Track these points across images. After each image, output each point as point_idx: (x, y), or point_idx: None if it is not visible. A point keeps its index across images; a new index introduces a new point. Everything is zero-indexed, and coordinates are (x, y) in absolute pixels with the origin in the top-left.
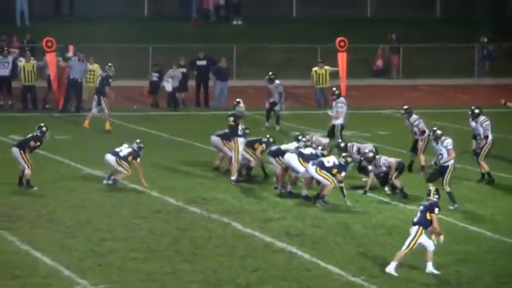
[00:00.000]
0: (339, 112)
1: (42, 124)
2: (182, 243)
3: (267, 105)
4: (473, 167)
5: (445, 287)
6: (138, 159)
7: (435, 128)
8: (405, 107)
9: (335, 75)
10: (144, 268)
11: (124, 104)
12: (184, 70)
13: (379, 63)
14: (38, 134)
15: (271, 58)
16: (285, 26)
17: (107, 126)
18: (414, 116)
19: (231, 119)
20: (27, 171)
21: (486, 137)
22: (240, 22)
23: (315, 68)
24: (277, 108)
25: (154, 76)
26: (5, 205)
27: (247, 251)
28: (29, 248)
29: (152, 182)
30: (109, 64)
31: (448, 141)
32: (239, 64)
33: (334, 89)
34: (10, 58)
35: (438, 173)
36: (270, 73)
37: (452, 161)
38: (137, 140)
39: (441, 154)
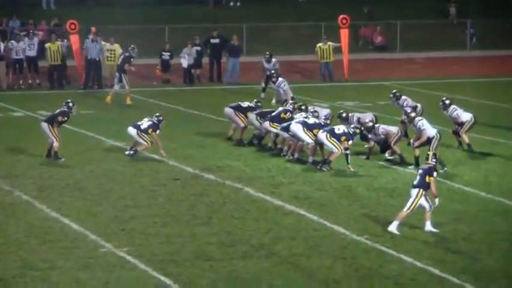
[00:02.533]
0: None
1: (69, 100)
2: (198, 208)
3: (263, 81)
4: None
5: (443, 244)
6: (158, 131)
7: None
8: (393, 90)
9: (338, 50)
10: (164, 232)
11: (143, 80)
12: (199, 48)
13: (379, 39)
14: (65, 109)
15: (279, 36)
16: (291, 6)
17: (128, 101)
18: (402, 98)
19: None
20: (56, 144)
21: (461, 123)
22: (238, 4)
23: (320, 44)
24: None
25: (166, 55)
26: (35, 175)
27: (259, 214)
28: (57, 215)
29: (170, 152)
30: (132, 46)
31: (421, 123)
32: (249, 41)
33: None
34: (36, 40)
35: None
36: (267, 53)
37: (434, 132)
38: (157, 114)
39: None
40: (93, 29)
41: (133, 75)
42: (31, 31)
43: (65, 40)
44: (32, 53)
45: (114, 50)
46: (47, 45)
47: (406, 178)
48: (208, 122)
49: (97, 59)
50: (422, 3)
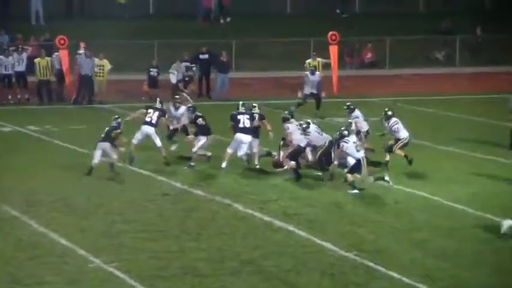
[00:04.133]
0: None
1: (116, 116)
2: (187, 224)
3: (300, 95)
4: (455, 148)
5: (431, 260)
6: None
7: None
8: (348, 103)
9: (327, 66)
10: (153, 247)
11: (130, 97)
12: (188, 64)
13: (369, 56)
14: (115, 124)
15: (268, 52)
16: (280, 21)
17: None
18: (356, 113)
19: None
20: (116, 158)
21: (397, 139)
22: (228, 20)
23: (309, 60)
24: (322, 95)
25: (153, 71)
26: (23, 191)
27: (248, 230)
28: (46, 230)
29: (160, 166)
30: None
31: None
32: (238, 58)
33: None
34: (25, 55)
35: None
36: (312, 66)
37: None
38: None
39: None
40: (82, 44)
41: (121, 91)
42: (20, 46)
43: (56, 54)
44: (21, 68)
45: (103, 66)
46: (36, 60)
47: (395, 194)
48: None
49: (90, 74)
50: (411, 19)
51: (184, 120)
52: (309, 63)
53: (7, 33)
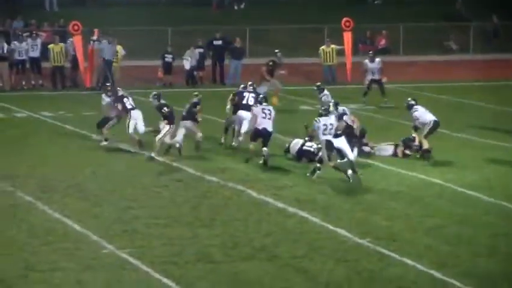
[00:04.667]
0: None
1: (196, 92)
2: (201, 210)
3: (366, 82)
4: (468, 135)
5: (445, 247)
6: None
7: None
8: (317, 83)
9: (341, 52)
10: (166, 233)
11: (145, 82)
12: (201, 50)
13: (382, 42)
14: (196, 100)
15: (282, 38)
16: (294, 8)
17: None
18: (324, 92)
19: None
20: (200, 135)
21: (415, 127)
22: (242, 6)
23: (323, 47)
24: (383, 80)
25: (168, 57)
26: (37, 176)
27: (261, 216)
28: (60, 216)
29: (172, 153)
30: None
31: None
32: (252, 44)
33: None
34: (39, 41)
35: None
36: (370, 52)
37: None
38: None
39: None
40: (96, 30)
41: (136, 77)
42: (34, 32)
43: (70, 40)
44: (35, 53)
45: (117, 52)
46: (50, 46)
47: (409, 181)
48: (210, 124)
49: (112, 59)
50: (425, 6)
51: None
52: (323, 50)
53: (22, 19)
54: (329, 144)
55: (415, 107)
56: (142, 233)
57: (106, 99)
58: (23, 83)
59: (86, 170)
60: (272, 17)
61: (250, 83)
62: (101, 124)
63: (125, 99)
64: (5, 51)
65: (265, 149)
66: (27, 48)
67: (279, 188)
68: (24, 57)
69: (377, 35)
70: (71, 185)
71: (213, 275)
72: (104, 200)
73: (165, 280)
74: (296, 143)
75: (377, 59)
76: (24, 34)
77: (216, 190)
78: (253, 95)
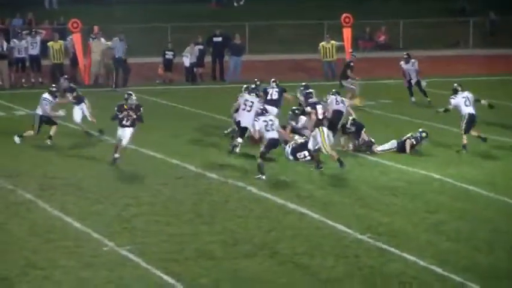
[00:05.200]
0: None
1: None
2: (201, 207)
3: (406, 84)
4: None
5: (446, 243)
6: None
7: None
8: (272, 79)
9: (341, 49)
10: (166, 230)
11: (145, 80)
12: (201, 47)
13: (382, 38)
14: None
15: (282, 34)
16: (293, 4)
17: (358, 103)
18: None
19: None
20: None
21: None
22: (241, 3)
23: (322, 43)
24: (423, 83)
25: (169, 54)
26: (37, 174)
27: (262, 213)
28: (60, 214)
29: (173, 150)
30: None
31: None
32: (251, 41)
33: None
34: (38, 38)
35: None
36: (405, 53)
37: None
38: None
39: None
40: (96, 28)
41: (136, 74)
42: (33, 30)
43: (70, 37)
44: (35, 51)
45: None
46: (49, 43)
47: (409, 176)
48: (210, 121)
49: (123, 57)
50: (425, 1)
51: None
52: (323, 46)
53: (21, 17)
54: (272, 141)
55: (457, 94)
56: (142, 230)
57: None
58: (23, 80)
59: (86, 168)
60: (272, 13)
61: (273, 79)
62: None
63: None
64: (5, 49)
65: (238, 139)
66: (26, 46)
67: (279, 184)
68: (23, 55)
69: (376, 31)
70: (72, 182)
71: (213, 271)
72: (105, 197)
73: (166, 277)
74: (286, 149)
75: (412, 60)
76: (24, 32)
77: (216, 187)
78: (276, 89)
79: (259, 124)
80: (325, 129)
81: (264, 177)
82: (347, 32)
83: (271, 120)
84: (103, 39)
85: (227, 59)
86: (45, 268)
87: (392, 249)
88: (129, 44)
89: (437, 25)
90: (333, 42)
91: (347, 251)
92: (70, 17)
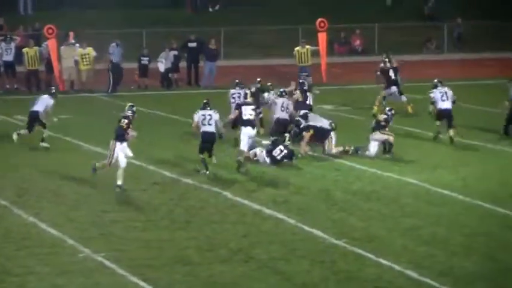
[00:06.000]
0: None
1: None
2: (177, 212)
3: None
4: (443, 134)
5: (421, 247)
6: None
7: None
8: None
9: (316, 53)
10: (143, 236)
11: (122, 85)
12: (176, 52)
13: (357, 42)
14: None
15: (257, 39)
16: (268, 9)
17: (410, 110)
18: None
19: None
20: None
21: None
22: (216, 8)
23: (297, 48)
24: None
25: (145, 60)
26: (12, 181)
27: (237, 218)
28: (35, 220)
29: (149, 155)
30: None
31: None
32: (227, 45)
33: None
34: (13, 45)
35: None
36: (299, 50)
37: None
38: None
39: None
40: (71, 34)
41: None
42: (8, 36)
43: (45, 43)
44: (9, 57)
45: (88, 54)
46: (24, 49)
47: (384, 181)
48: (186, 126)
49: (119, 62)
50: (401, 6)
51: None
52: (298, 51)
53: None
54: (204, 134)
55: (435, 89)
56: (118, 237)
57: None
58: None
59: (62, 174)
60: (247, 18)
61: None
62: None
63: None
64: None
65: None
66: (1, 52)
67: (255, 189)
68: None
69: (351, 35)
70: (47, 188)
71: (190, 277)
72: (81, 203)
73: (142, 283)
74: (260, 154)
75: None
76: None
77: (192, 192)
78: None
79: (198, 117)
80: (244, 128)
81: (207, 172)
82: (322, 37)
83: (209, 115)
84: (77, 45)
85: (202, 64)
86: (20, 275)
87: (368, 254)
88: (104, 50)
89: (411, 29)
90: (308, 47)
91: (322, 256)
92: (45, 22)
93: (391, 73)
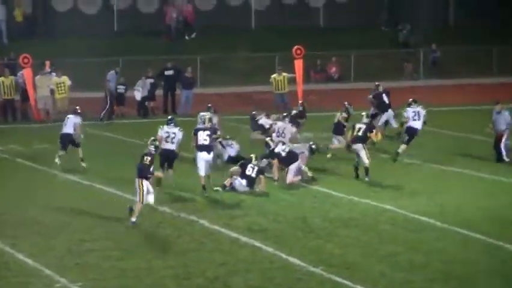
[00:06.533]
0: None
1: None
2: (154, 241)
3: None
4: (420, 161)
5: (399, 273)
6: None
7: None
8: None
9: (293, 80)
10: (119, 265)
11: (97, 113)
12: (152, 80)
13: (333, 70)
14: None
15: (233, 67)
16: (244, 36)
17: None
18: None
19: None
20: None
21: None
22: (193, 36)
23: (274, 75)
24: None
25: (121, 88)
26: None
27: (214, 246)
28: (12, 250)
29: (125, 184)
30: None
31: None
32: (203, 73)
33: None
34: None
35: None
36: (275, 77)
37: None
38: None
39: None
40: (47, 62)
41: (86, 109)
42: None
43: (20, 73)
44: None
45: (63, 83)
46: (0, 79)
47: (361, 208)
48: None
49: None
50: (376, 33)
51: None
52: (275, 78)
53: None
54: (165, 152)
55: (409, 108)
56: (95, 266)
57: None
58: None
59: (39, 203)
60: (223, 46)
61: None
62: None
63: None
64: None
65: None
66: None
67: (231, 217)
68: None
69: (328, 62)
70: (24, 218)
71: None
72: (57, 232)
73: None
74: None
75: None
76: None
77: (168, 221)
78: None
79: (162, 133)
80: (199, 153)
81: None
82: (298, 64)
83: (174, 133)
84: (53, 74)
85: (179, 92)
86: None
87: (345, 281)
88: (80, 78)
89: (386, 57)
90: (284, 74)
91: (299, 283)
92: (20, 51)
93: (384, 98)
